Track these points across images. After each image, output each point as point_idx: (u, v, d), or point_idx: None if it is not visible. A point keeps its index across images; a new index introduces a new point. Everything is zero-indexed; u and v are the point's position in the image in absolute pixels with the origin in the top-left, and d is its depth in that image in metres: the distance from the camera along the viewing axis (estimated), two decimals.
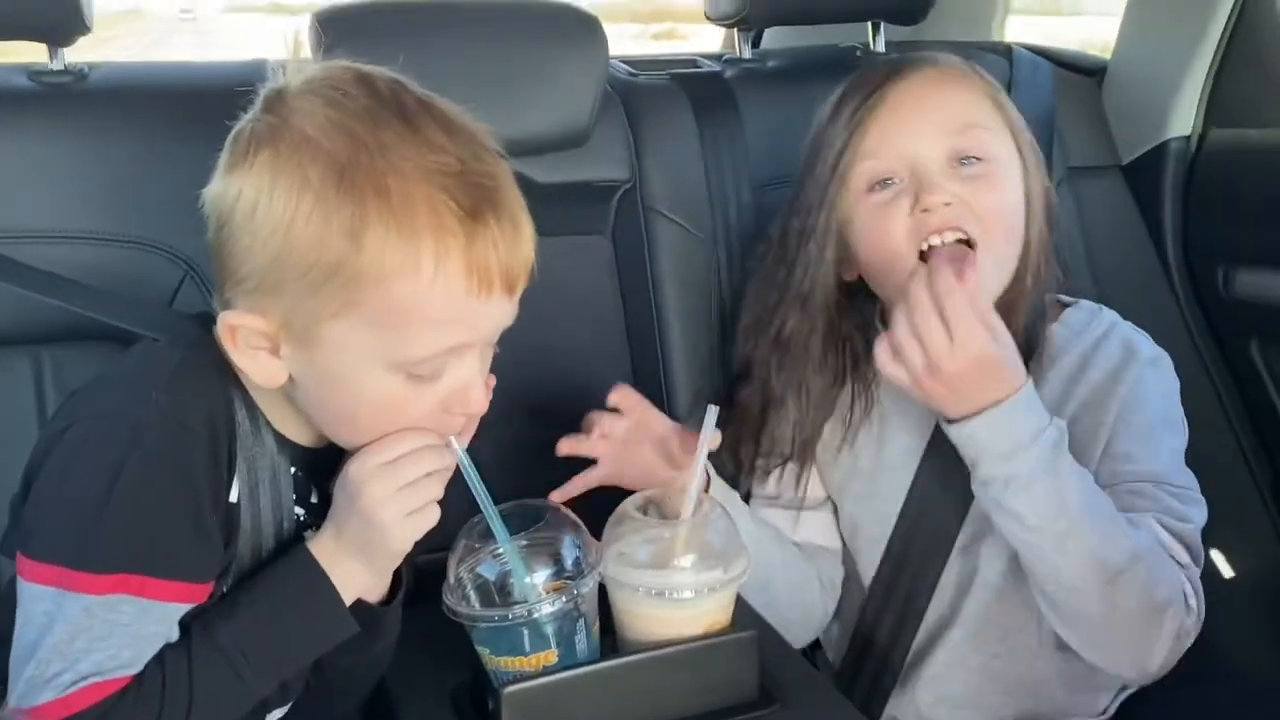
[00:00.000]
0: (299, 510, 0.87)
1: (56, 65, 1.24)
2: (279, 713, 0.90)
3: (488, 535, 0.86)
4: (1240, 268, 1.51)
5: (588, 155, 1.31)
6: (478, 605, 0.85)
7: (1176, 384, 1.13)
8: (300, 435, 0.87)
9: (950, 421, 0.98)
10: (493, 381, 0.86)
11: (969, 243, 1.03)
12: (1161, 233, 1.57)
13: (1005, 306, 1.05)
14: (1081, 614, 1.00)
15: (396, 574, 0.90)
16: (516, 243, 0.79)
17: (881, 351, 0.97)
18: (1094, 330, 1.14)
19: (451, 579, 0.87)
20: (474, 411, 0.83)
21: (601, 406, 1.10)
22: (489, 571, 0.85)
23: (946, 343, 0.93)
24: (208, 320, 0.84)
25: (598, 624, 0.89)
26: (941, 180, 1.04)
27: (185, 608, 0.78)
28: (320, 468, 0.88)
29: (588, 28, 1.26)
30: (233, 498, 0.82)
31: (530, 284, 1.28)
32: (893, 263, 1.06)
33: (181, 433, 0.77)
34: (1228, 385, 1.54)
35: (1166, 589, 0.99)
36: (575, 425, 1.27)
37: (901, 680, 1.13)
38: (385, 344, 0.77)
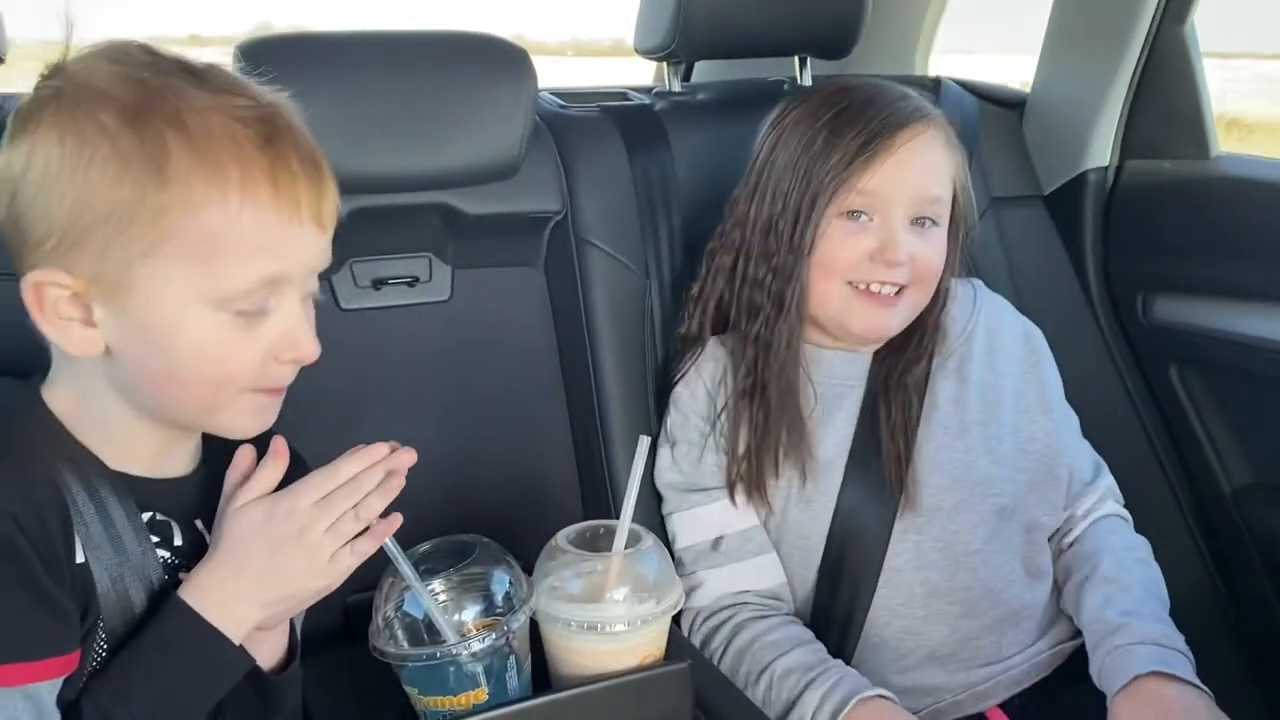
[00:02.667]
0: (164, 554, 0.83)
1: None
2: None
3: (417, 569, 0.84)
4: (1158, 295, 1.55)
5: (519, 187, 1.30)
6: (406, 644, 0.84)
7: None
8: (149, 463, 0.83)
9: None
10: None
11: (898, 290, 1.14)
12: (1083, 261, 1.61)
13: (918, 319, 1.19)
14: None
15: (291, 643, 0.87)
16: (320, 181, 0.79)
17: None
18: (980, 304, 1.26)
19: (379, 620, 0.85)
20: (304, 357, 0.81)
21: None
22: (416, 610, 0.84)
23: None
24: (33, 384, 0.82)
25: (529, 660, 0.87)
26: (904, 239, 1.13)
27: (55, 684, 0.74)
28: (181, 505, 0.84)
29: (516, 59, 1.26)
30: (79, 559, 0.77)
31: (463, 315, 1.29)
32: (823, 279, 1.14)
33: None
34: (1150, 409, 1.58)
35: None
36: (509, 459, 1.26)
37: (877, 643, 1.16)
38: (201, 279, 0.75)
